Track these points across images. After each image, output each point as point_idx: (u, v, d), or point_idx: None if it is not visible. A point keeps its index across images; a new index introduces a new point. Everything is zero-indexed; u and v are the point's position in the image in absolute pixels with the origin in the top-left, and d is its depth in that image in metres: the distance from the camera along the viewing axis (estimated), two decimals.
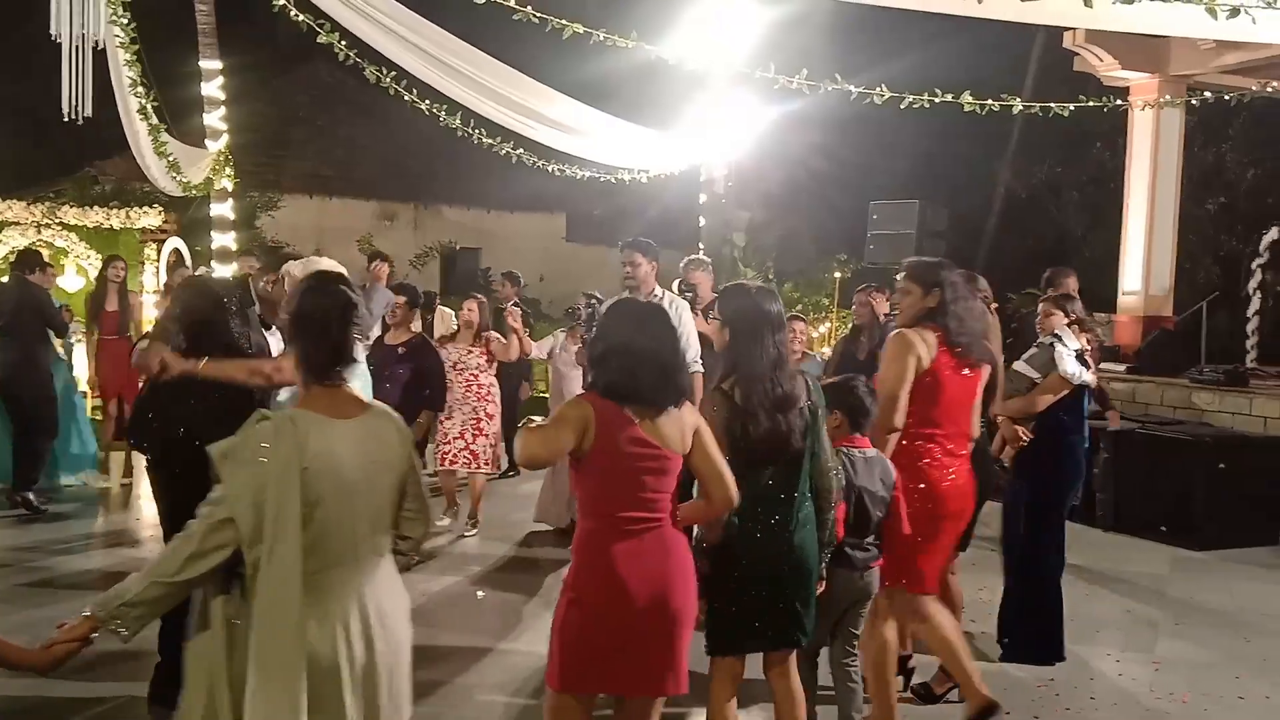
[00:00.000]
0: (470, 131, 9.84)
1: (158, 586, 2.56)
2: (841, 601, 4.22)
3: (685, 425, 3.32)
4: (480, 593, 6.55)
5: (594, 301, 6.73)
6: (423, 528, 2.99)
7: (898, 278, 4.65)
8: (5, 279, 8.93)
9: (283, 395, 4.56)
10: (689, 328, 5.95)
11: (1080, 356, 5.47)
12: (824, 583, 3.99)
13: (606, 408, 3.21)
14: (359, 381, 4.54)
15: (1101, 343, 5.87)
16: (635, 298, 3.55)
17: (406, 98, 9.36)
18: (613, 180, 11.82)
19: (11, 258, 10.84)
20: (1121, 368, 10.86)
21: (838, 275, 14.67)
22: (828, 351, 12.82)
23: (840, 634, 4.37)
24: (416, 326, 8.04)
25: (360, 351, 3.01)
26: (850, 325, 6.97)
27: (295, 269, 4.61)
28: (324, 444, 2.63)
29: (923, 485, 4.38)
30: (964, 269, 5.03)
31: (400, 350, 7.35)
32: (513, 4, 6.87)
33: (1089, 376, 5.53)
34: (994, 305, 5.48)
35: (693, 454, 3.34)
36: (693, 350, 5.85)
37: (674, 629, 3.30)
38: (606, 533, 3.23)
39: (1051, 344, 5.41)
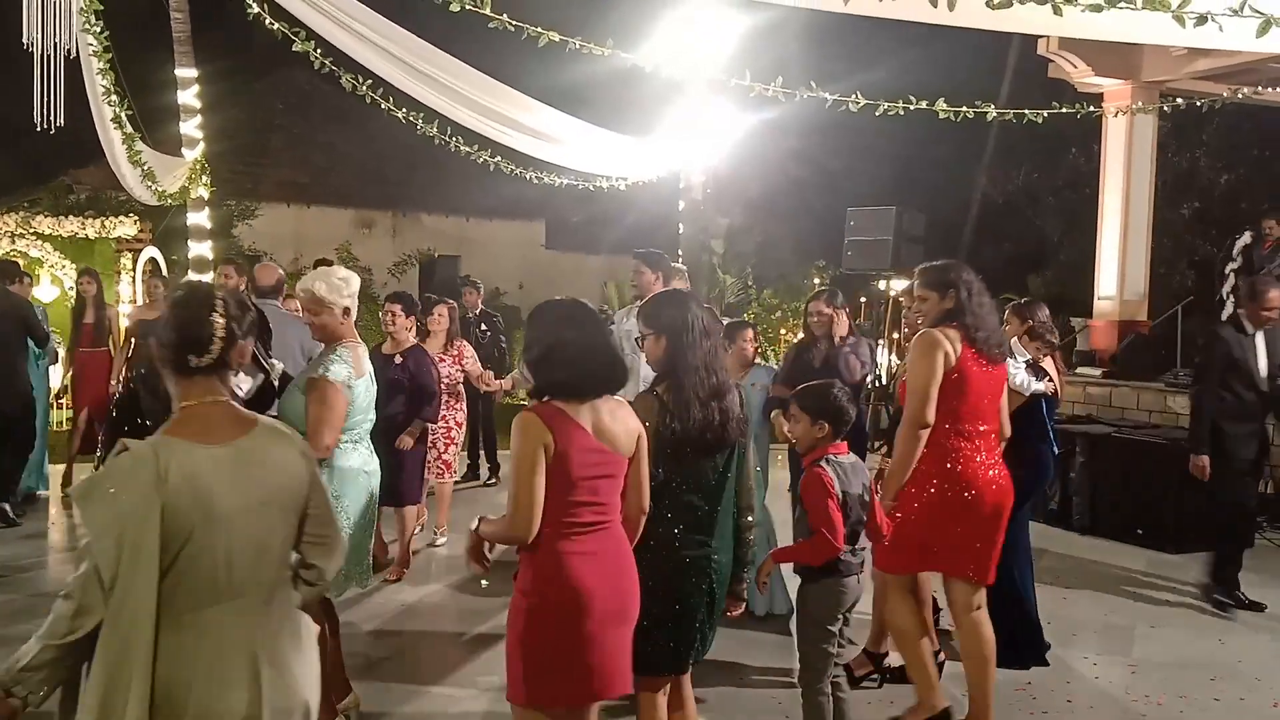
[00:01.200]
0: (448, 139, 9.81)
1: (50, 650, 2.37)
2: (839, 613, 4.15)
3: (631, 428, 3.36)
4: (484, 582, 6.52)
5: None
6: (331, 557, 2.72)
7: (914, 284, 4.71)
8: None
9: (245, 385, 4.52)
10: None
11: (1031, 366, 5.53)
12: (742, 605, 3.93)
13: (555, 416, 3.21)
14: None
15: (1055, 347, 5.89)
16: (557, 298, 3.55)
17: (383, 106, 9.32)
18: (591, 187, 11.82)
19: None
20: (1097, 372, 10.93)
21: (817, 281, 14.72)
22: None
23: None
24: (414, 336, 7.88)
25: (243, 379, 2.85)
26: (802, 332, 6.87)
27: (318, 284, 4.48)
28: (189, 473, 2.40)
29: (963, 481, 4.46)
30: (947, 261, 5.09)
31: (398, 360, 6.93)
32: (488, 11, 6.86)
33: (1040, 385, 5.57)
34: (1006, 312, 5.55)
35: (632, 458, 3.36)
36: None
37: (628, 626, 3.32)
38: (560, 537, 3.21)
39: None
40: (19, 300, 8.42)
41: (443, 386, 7.42)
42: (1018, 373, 5.43)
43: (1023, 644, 5.55)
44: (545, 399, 3.27)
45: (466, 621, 6.16)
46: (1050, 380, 5.66)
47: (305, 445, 2.71)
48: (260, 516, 2.50)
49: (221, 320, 2.54)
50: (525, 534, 3.17)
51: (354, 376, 4.42)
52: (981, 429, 4.56)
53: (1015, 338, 5.60)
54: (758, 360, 6.66)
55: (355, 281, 4.65)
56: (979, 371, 4.49)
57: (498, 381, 8.10)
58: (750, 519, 3.88)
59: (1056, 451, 5.94)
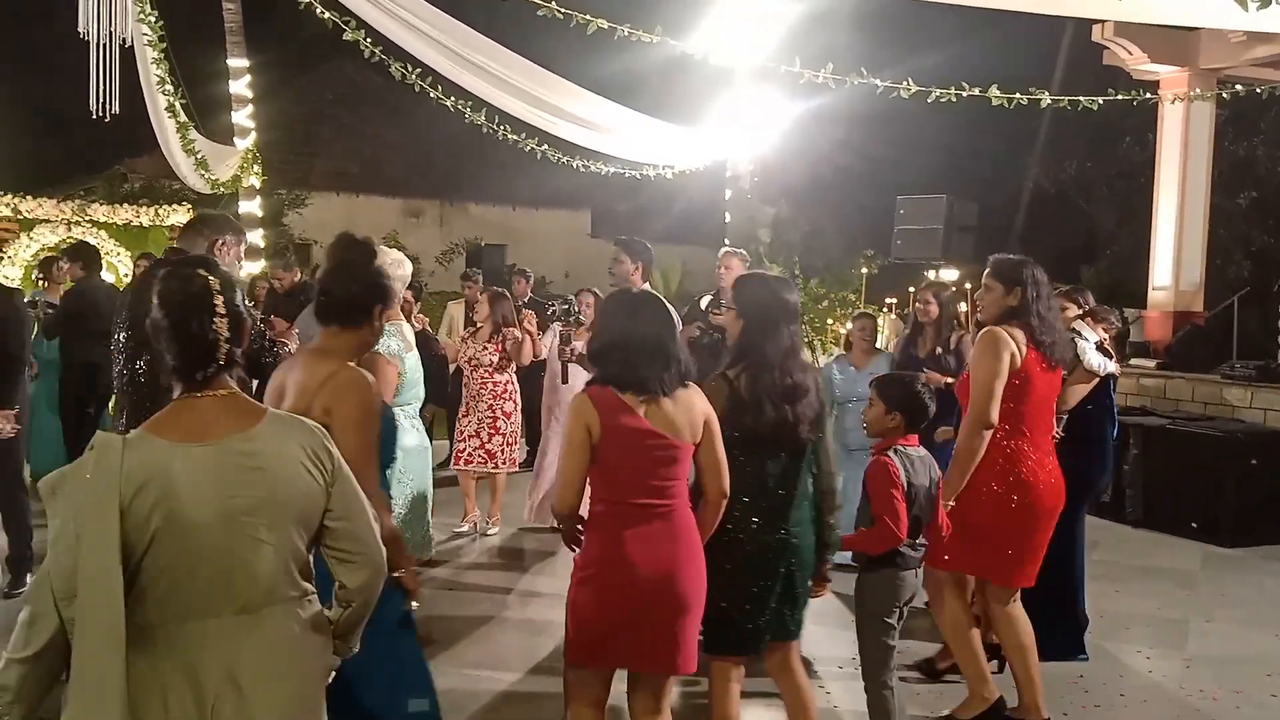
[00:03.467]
0: (496, 128, 9.85)
1: (13, 667, 2.14)
2: (897, 605, 4.09)
3: (695, 415, 3.37)
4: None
5: (569, 299, 7.36)
6: (364, 574, 2.39)
7: (985, 272, 4.64)
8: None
9: None
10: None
11: (1100, 347, 5.45)
12: (825, 586, 3.95)
13: (606, 397, 3.29)
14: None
15: (1118, 330, 5.84)
16: (629, 289, 3.61)
17: (432, 95, 9.38)
18: (638, 176, 11.81)
19: (41, 256, 10.95)
20: (1152, 363, 10.75)
21: (864, 271, 14.58)
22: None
23: None
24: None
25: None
26: (911, 323, 7.02)
27: None
28: (156, 474, 2.14)
29: (1022, 482, 4.40)
30: (1018, 256, 5.03)
31: None
32: (537, 0, 6.88)
33: (1113, 366, 5.51)
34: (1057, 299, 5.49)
35: (699, 444, 3.38)
36: None
37: (680, 611, 3.35)
38: (615, 516, 3.32)
39: (1071, 338, 5.36)
40: (111, 289, 8.44)
41: (487, 374, 7.58)
42: (1091, 353, 5.36)
43: (1066, 635, 5.48)
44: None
45: (509, 607, 6.21)
46: (1116, 361, 5.62)
47: (324, 445, 2.35)
48: (240, 527, 2.20)
49: (225, 321, 2.28)
50: (563, 507, 3.35)
51: (404, 350, 4.69)
52: (1040, 429, 4.52)
53: (1078, 319, 5.53)
54: (875, 348, 7.07)
55: (407, 265, 4.76)
56: (1041, 374, 4.45)
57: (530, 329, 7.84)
58: (833, 503, 3.87)
59: (1116, 436, 5.87)
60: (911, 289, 14.52)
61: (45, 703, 2.19)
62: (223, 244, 4.34)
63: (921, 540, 4.10)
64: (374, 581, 2.42)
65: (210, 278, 2.30)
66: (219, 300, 2.28)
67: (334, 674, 2.47)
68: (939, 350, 6.57)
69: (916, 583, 4.14)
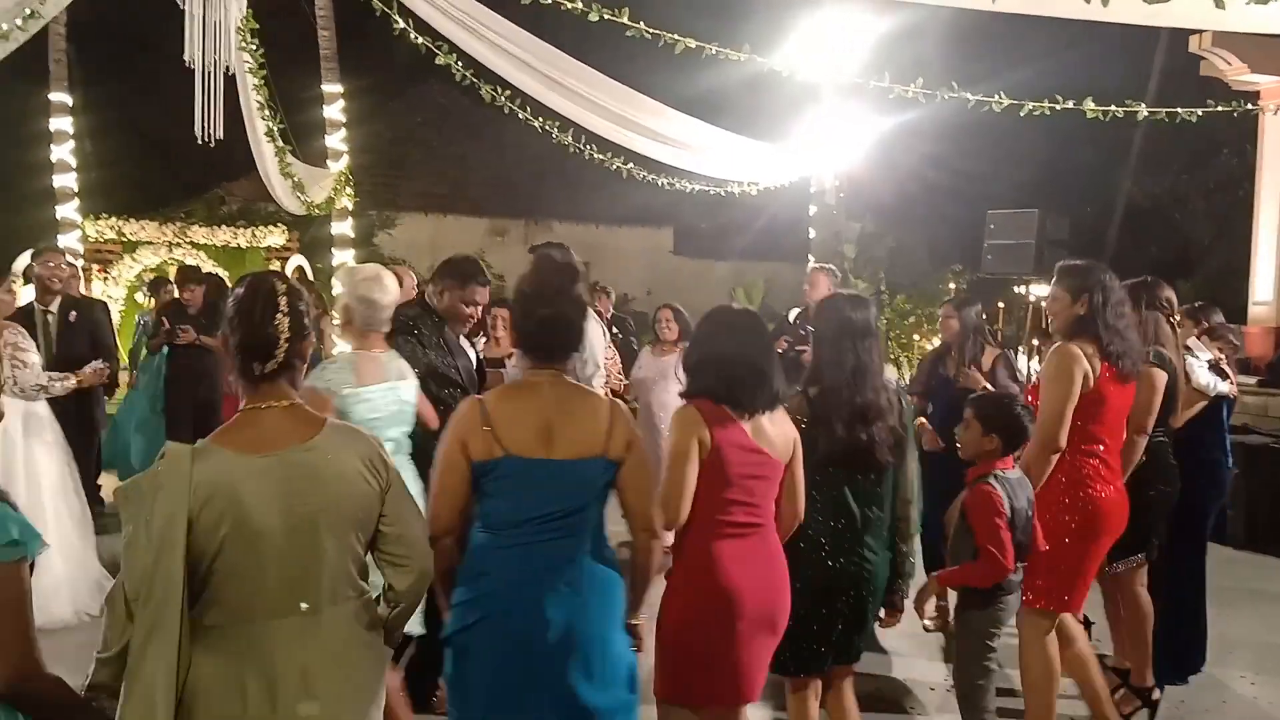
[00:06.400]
0: (581, 148, 9.97)
1: (104, 666, 2.26)
2: (999, 631, 3.97)
3: (788, 433, 3.36)
4: None
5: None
6: (411, 577, 2.52)
7: (1052, 283, 4.48)
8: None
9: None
10: (594, 339, 5.66)
11: (1215, 367, 5.27)
12: (898, 615, 3.86)
13: (714, 412, 3.24)
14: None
15: (1237, 350, 5.58)
16: (731, 305, 3.58)
17: (520, 116, 9.53)
18: (721, 193, 11.84)
19: (146, 276, 11.35)
20: (1253, 380, 10.44)
21: (952, 286, 14.40)
22: None
23: None
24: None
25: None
26: (940, 342, 6.78)
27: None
28: (223, 485, 2.25)
29: (1086, 504, 4.18)
30: (1148, 277, 4.92)
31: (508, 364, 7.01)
32: (625, 21, 6.95)
33: (1225, 387, 5.30)
34: (1178, 315, 5.20)
35: (788, 464, 3.36)
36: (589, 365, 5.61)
37: (775, 635, 3.33)
38: (713, 536, 3.22)
39: (1183, 357, 5.19)
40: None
41: None
42: (1200, 371, 5.19)
43: (1179, 660, 5.32)
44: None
45: None
46: (1232, 383, 5.39)
47: (379, 455, 2.47)
48: (304, 534, 2.32)
49: (287, 320, 2.40)
50: (674, 519, 3.19)
51: (356, 383, 3.87)
52: (1109, 446, 4.29)
53: (1194, 337, 5.36)
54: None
55: (389, 287, 4.08)
56: (1115, 390, 4.21)
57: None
58: (908, 531, 3.80)
59: (1231, 464, 5.55)
60: (1001, 304, 14.35)
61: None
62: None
63: (1021, 562, 3.96)
64: (421, 585, 2.56)
65: (280, 284, 2.46)
66: (284, 300, 2.41)
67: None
68: (969, 368, 6.15)
69: (1017, 602, 4.03)
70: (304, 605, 2.34)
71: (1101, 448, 4.25)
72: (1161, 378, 4.67)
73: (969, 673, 4.00)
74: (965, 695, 4.02)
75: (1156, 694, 4.96)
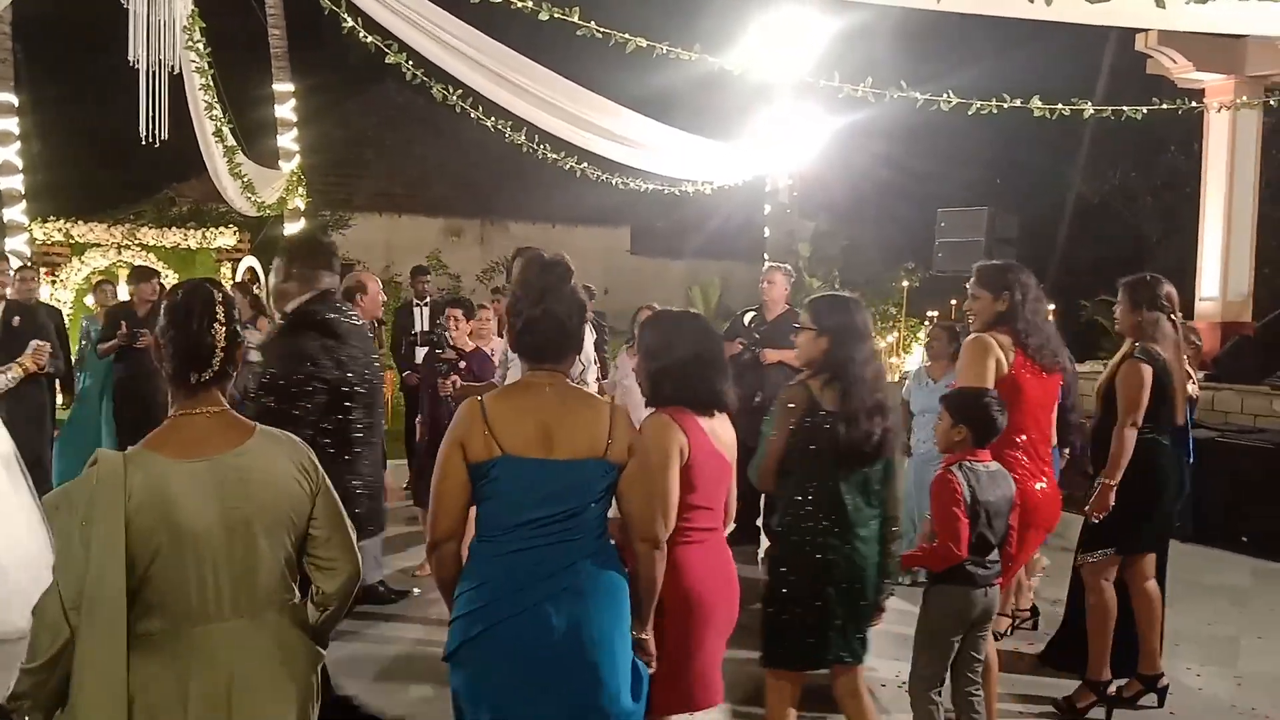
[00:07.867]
0: (535, 147, 9.93)
1: (28, 676, 2.25)
2: (963, 625, 3.99)
3: (732, 434, 3.41)
4: None
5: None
6: (340, 579, 2.55)
7: (969, 282, 4.59)
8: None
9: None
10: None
11: None
12: (880, 615, 3.87)
13: (686, 420, 3.26)
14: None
15: (1198, 350, 5.61)
16: (669, 309, 3.59)
17: (473, 115, 9.48)
18: (676, 192, 11.85)
19: (94, 279, 11.16)
20: (1200, 375, 10.60)
21: (905, 284, 14.51)
22: (895, 361, 12.72)
23: (961, 660, 4.06)
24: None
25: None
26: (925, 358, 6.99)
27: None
28: (156, 490, 2.27)
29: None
30: (1148, 275, 5.03)
31: (461, 364, 6.82)
32: (576, 20, 6.93)
33: (1190, 387, 5.36)
34: (1178, 315, 5.24)
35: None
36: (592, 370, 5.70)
37: (727, 634, 3.36)
38: (677, 543, 3.19)
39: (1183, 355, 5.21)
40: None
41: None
42: None
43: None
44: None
45: None
46: (1194, 383, 5.46)
47: (309, 459, 2.52)
48: (239, 537, 2.35)
49: (223, 330, 2.43)
50: (666, 530, 3.09)
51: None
52: (1032, 438, 4.39)
53: None
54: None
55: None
56: (1033, 380, 4.35)
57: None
58: (896, 529, 3.83)
59: (1191, 460, 5.62)
60: (954, 301, 14.47)
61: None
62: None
63: (993, 558, 4.01)
64: (350, 587, 2.59)
65: (216, 292, 2.50)
66: (220, 309, 2.45)
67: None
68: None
69: (989, 602, 4.03)
70: (242, 609, 2.37)
71: (1024, 438, 4.35)
72: (1148, 372, 4.74)
73: (921, 659, 4.05)
74: (914, 682, 4.07)
75: (1113, 687, 5.01)
